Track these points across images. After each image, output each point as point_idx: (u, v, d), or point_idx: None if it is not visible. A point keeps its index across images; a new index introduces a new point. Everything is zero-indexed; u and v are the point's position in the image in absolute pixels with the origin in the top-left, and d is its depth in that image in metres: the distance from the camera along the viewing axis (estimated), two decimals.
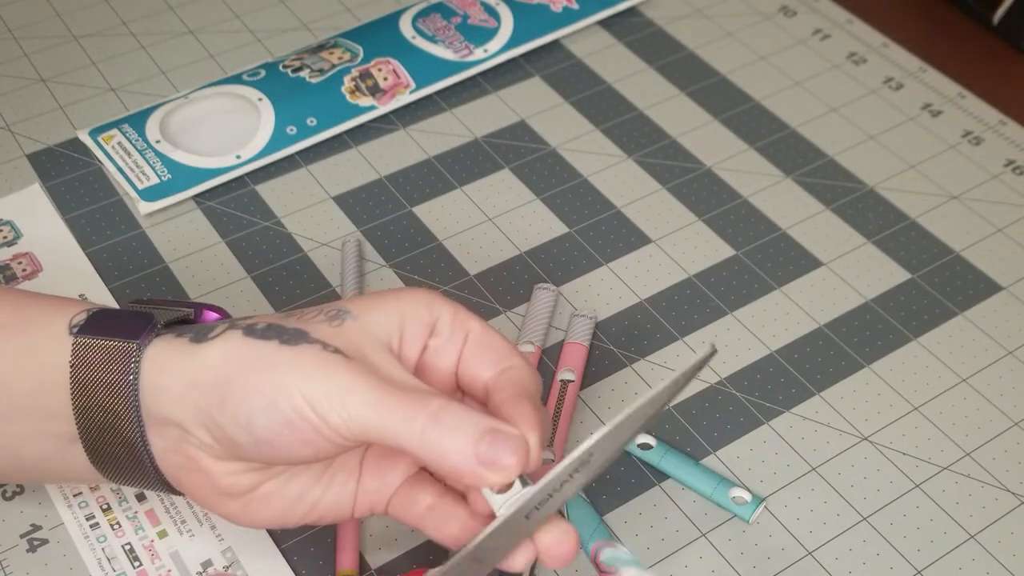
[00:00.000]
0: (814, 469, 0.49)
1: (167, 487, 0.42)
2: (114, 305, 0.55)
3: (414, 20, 0.68)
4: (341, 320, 0.40)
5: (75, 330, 0.41)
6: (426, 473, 0.42)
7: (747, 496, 0.47)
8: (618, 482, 0.49)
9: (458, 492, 0.42)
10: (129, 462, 0.41)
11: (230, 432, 0.38)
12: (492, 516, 0.39)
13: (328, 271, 0.57)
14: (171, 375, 0.39)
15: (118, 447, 0.41)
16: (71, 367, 0.40)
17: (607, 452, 0.39)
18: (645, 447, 0.49)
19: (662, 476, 0.49)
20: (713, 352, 0.39)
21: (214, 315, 0.44)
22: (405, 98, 0.65)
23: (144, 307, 0.43)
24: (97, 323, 0.41)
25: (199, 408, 0.38)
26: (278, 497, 0.41)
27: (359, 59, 0.65)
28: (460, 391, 0.43)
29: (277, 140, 0.62)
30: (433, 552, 0.46)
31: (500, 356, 0.42)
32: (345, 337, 0.39)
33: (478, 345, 0.42)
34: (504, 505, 0.38)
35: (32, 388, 0.41)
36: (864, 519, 0.48)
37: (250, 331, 0.39)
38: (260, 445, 0.38)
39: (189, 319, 0.43)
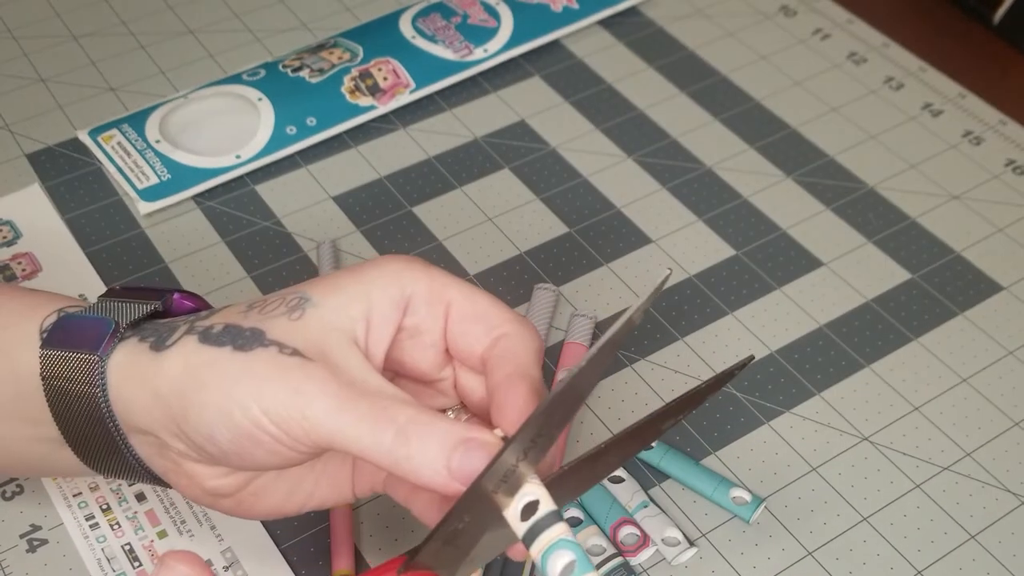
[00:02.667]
0: (814, 469, 0.49)
1: (162, 483, 0.41)
2: None
3: (414, 20, 0.68)
4: (302, 311, 0.37)
5: (44, 336, 0.40)
6: None
7: (747, 496, 0.47)
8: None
9: None
10: (119, 464, 0.40)
11: (198, 443, 0.37)
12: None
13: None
14: (136, 386, 0.38)
15: (105, 451, 0.40)
16: (43, 379, 0.39)
17: (567, 416, 0.37)
18: (645, 447, 0.49)
19: (662, 476, 0.49)
20: (668, 275, 0.36)
21: (187, 303, 0.42)
22: (405, 98, 0.65)
23: (111, 303, 0.41)
24: (62, 331, 0.40)
25: (166, 419, 0.37)
26: (270, 493, 0.40)
27: (359, 59, 0.65)
28: (454, 363, 0.41)
29: (277, 140, 0.62)
30: None
31: (489, 324, 0.39)
32: (304, 333, 0.37)
33: (462, 316, 0.39)
34: (526, 533, 0.34)
35: (13, 394, 0.40)
36: (864, 519, 0.48)
37: (206, 337, 0.37)
38: (228, 456, 0.37)
39: (158, 312, 0.41)
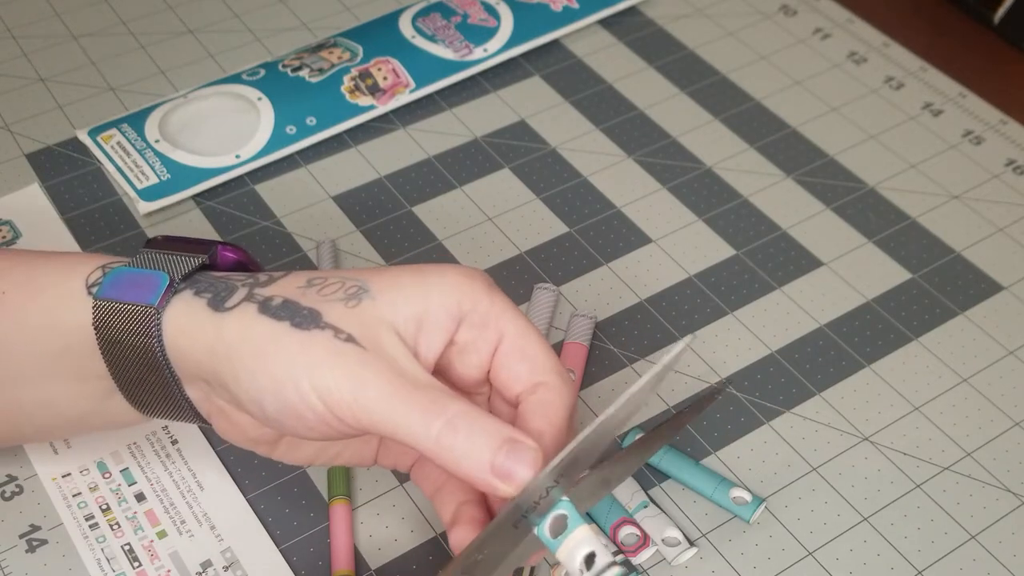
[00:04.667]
0: (815, 469, 0.49)
1: (208, 424, 0.42)
2: None
3: (414, 19, 0.68)
4: (358, 300, 0.38)
5: (93, 290, 0.40)
6: None
7: (747, 496, 0.47)
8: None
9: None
10: (171, 407, 0.41)
11: (245, 405, 0.39)
12: (495, 511, 0.39)
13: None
14: (191, 341, 0.39)
15: (158, 396, 0.41)
16: (95, 328, 0.40)
17: (593, 453, 0.38)
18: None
19: (662, 476, 0.49)
20: (690, 342, 0.38)
21: (230, 255, 0.43)
22: (405, 98, 0.65)
23: (158, 255, 0.41)
24: (115, 283, 0.40)
25: (217, 374, 0.39)
26: (304, 445, 0.42)
27: (359, 58, 0.65)
28: (488, 387, 0.42)
29: (277, 140, 0.62)
30: (432, 553, 0.46)
31: (534, 368, 0.40)
32: (359, 320, 0.38)
33: (512, 350, 0.40)
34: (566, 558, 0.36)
35: (59, 349, 0.41)
36: (865, 519, 0.48)
37: (265, 308, 0.38)
38: (271, 422, 0.38)
39: (206, 266, 0.42)
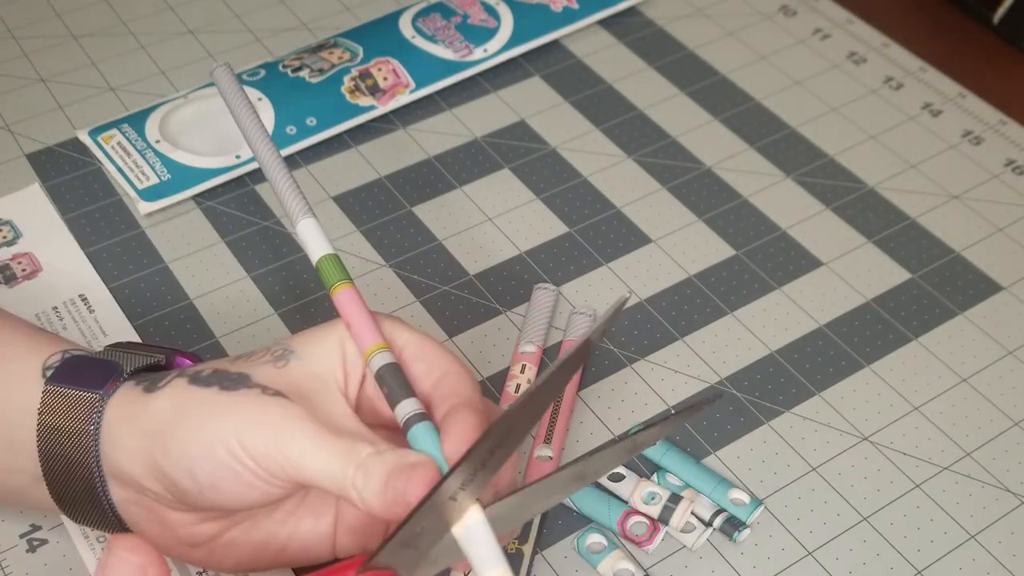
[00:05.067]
0: (814, 469, 0.49)
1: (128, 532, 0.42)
2: (113, 303, 0.55)
3: (414, 20, 0.68)
4: (286, 361, 0.40)
5: (48, 373, 0.41)
6: None
7: (746, 498, 0.47)
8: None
9: None
10: (92, 508, 0.41)
11: (176, 479, 0.38)
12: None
13: None
14: (125, 426, 0.40)
15: (80, 493, 0.41)
16: (39, 414, 0.40)
17: (531, 419, 0.38)
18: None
19: (662, 476, 0.49)
20: (626, 299, 0.38)
21: (186, 361, 0.44)
22: (405, 98, 0.65)
23: (117, 352, 0.43)
24: (68, 370, 0.41)
25: (147, 457, 0.39)
26: (243, 543, 0.41)
27: (359, 59, 0.65)
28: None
29: (277, 140, 0.62)
30: None
31: (432, 364, 0.41)
32: (288, 379, 0.39)
33: (411, 357, 0.41)
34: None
35: (0, 422, 0.41)
36: (864, 519, 0.48)
37: (195, 379, 0.40)
38: (205, 491, 0.38)
39: (160, 365, 0.43)
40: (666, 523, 0.46)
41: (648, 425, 0.40)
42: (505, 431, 0.36)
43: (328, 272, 0.42)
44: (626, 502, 0.47)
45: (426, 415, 0.39)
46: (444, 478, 0.36)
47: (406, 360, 0.41)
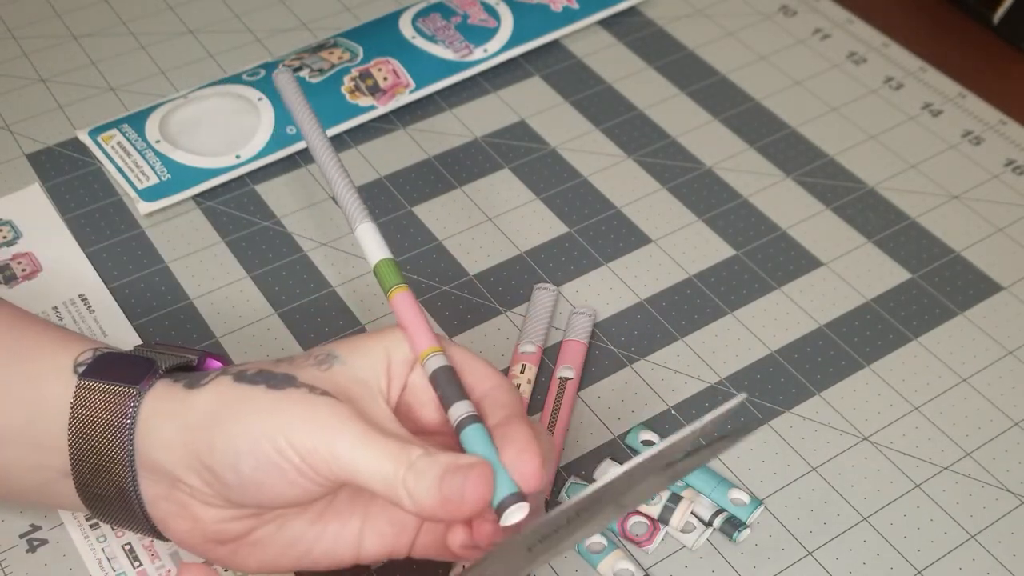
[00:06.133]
0: (814, 469, 0.49)
1: (154, 532, 0.42)
2: (113, 303, 0.55)
3: (414, 20, 0.68)
4: (330, 364, 0.40)
5: (80, 369, 0.41)
6: None
7: (746, 498, 0.47)
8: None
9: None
10: (119, 504, 0.41)
11: (219, 473, 0.38)
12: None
13: (328, 271, 0.57)
14: (164, 420, 0.40)
15: (109, 489, 0.41)
16: (72, 407, 0.41)
17: (618, 494, 0.38)
18: (647, 443, 0.49)
19: None
20: (742, 401, 0.39)
21: (216, 364, 0.44)
22: (405, 98, 0.65)
23: (149, 350, 0.43)
24: (102, 365, 0.42)
25: (189, 451, 0.39)
26: (269, 543, 0.41)
27: (359, 59, 0.65)
28: (450, 426, 0.42)
29: (277, 140, 0.62)
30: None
31: (479, 378, 0.41)
32: (333, 381, 0.40)
33: (461, 369, 0.42)
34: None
35: (29, 417, 0.41)
36: (864, 519, 0.48)
37: (240, 376, 0.40)
38: (247, 486, 0.38)
39: (191, 366, 0.43)
40: (666, 523, 0.46)
41: (689, 454, 0.40)
42: (593, 503, 0.37)
43: (386, 275, 0.43)
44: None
45: (479, 418, 0.39)
46: (541, 519, 0.36)
47: (458, 372, 0.41)
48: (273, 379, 0.39)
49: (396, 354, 0.41)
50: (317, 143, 0.46)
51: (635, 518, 0.46)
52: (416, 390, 0.42)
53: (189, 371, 0.43)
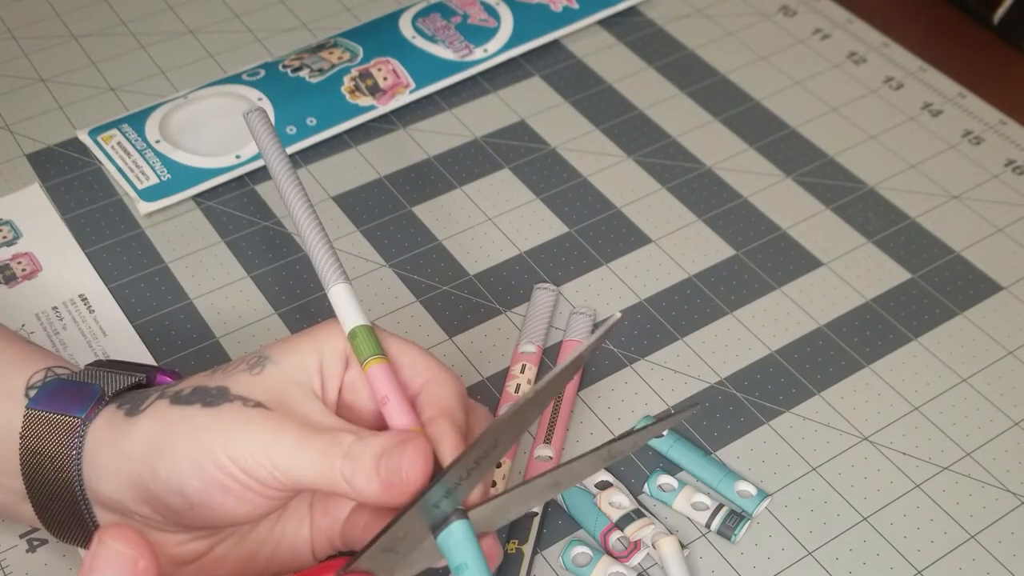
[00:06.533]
0: (814, 469, 0.49)
1: None
2: (113, 303, 0.55)
3: (414, 20, 0.68)
4: (261, 367, 0.40)
5: (31, 394, 0.41)
6: None
7: (752, 490, 0.48)
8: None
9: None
10: (78, 530, 0.41)
11: (165, 500, 0.38)
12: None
13: None
14: (107, 452, 0.40)
15: (66, 515, 0.41)
16: (21, 437, 0.40)
17: (516, 433, 0.39)
18: (655, 436, 0.49)
19: (675, 468, 0.49)
20: (618, 318, 0.38)
21: (168, 379, 0.44)
22: (405, 98, 0.65)
23: (99, 372, 0.43)
24: (50, 393, 0.41)
25: (133, 482, 0.39)
26: (231, 556, 0.41)
27: (359, 59, 0.65)
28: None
29: None
30: None
31: (416, 371, 0.41)
32: (265, 386, 0.39)
33: (398, 363, 0.42)
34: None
35: None
36: (864, 519, 0.48)
37: (176, 399, 0.40)
38: (196, 508, 0.38)
39: (142, 384, 0.43)
40: (622, 529, 0.46)
41: (623, 435, 0.40)
42: (492, 443, 0.37)
43: (362, 345, 0.41)
44: (608, 518, 0.47)
45: (464, 512, 0.38)
46: (428, 488, 0.36)
47: (393, 366, 0.41)
48: (208, 395, 0.39)
49: (329, 352, 0.41)
50: (292, 195, 0.44)
51: (618, 534, 0.46)
52: (355, 388, 0.41)
53: (141, 389, 0.42)
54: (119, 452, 0.39)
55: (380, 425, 0.41)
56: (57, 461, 0.40)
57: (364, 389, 0.42)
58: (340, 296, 0.42)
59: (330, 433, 0.38)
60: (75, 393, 0.41)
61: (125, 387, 0.42)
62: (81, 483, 0.40)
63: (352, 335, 0.41)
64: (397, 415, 0.40)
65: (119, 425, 0.40)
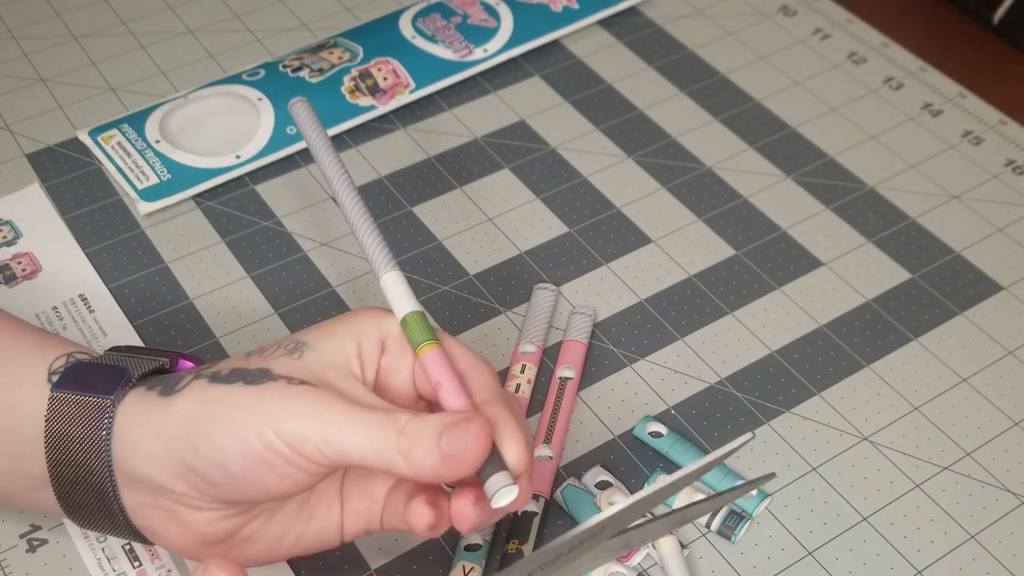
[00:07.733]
0: (814, 469, 0.49)
1: (138, 537, 0.42)
2: (113, 303, 0.55)
3: (414, 20, 0.68)
4: (301, 352, 0.40)
5: (54, 379, 0.41)
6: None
7: (753, 490, 0.48)
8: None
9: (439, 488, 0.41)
10: (101, 513, 0.41)
11: (205, 474, 0.38)
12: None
13: (328, 271, 0.57)
14: (142, 429, 0.40)
15: (90, 499, 0.41)
16: (46, 420, 0.41)
17: (622, 524, 0.38)
18: (656, 435, 0.49)
19: (673, 466, 0.49)
20: (750, 439, 0.39)
21: (189, 364, 0.44)
22: (405, 98, 0.65)
23: (121, 356, 0.43)
24: (74, 376, 0.41)
25: (172, 458, 0.39)
26: (261, 537, 0.41)
27: (359, 59, 0.65)
28: (424, 402, 0.43)
29: (277, 140, 0.62)
30: (432, 553, 0.46)
31: (455, 359, 0.41)
32: (307, 368, 0.40)
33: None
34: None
35: (7, 426, 0.41)
36: (864, 519, 0.48)
37: (215, 377, 0.40)
38: (237, 483, 0.38)
39: (164, 369, 0.43)
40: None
41: (700, 501, 0.40)
42: (591, 536, 0.37)
43: (414, 331, 0.41)
44: None
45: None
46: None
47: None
48: (249, 375, 0.39)
49: (366, 337, 0.41)
50: (340, 184, 0.45)
51: None
52: (391, 372, 0.42)
53: (162, 374, 0.43)
54: (156, 429, 0.39)
55: (415, 410, 0.41)
56: (86, 443, 0.40)
57: (399, 374, 0.42)
58: (392, 283, 0.43)
59: (384, 410, 0.38)
60: (101, 375, 0.41)
61: (149, 370, 0.42)
62: (110, 464, 0.40)
63: (404, 322, 0.42)
64: (452, 397, 0.40)
65: (153, 404, 0.40)
